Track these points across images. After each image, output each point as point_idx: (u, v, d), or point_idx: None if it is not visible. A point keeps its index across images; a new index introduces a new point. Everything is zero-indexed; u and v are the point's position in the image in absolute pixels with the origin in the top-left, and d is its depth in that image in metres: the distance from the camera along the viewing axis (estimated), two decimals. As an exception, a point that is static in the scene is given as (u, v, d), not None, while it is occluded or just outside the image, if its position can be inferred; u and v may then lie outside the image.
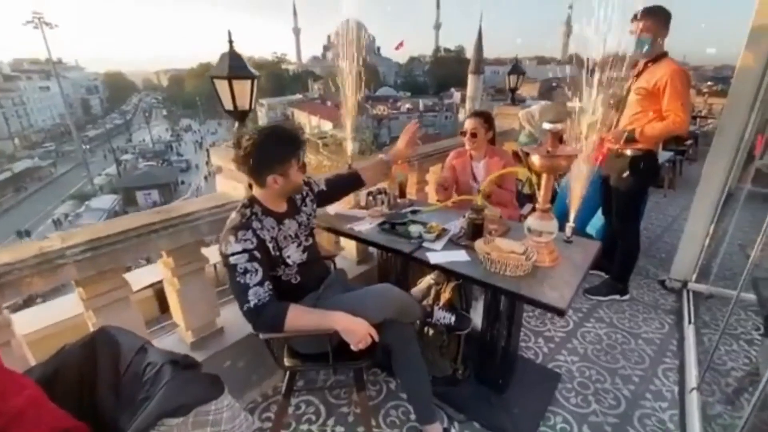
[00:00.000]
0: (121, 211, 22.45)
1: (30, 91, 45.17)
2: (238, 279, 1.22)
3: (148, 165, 31.92)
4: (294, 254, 1.39)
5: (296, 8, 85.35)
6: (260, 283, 1.23)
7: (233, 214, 1.32)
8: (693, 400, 1.71)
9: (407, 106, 41.51)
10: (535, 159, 1.37)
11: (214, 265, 2.47)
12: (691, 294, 2.54)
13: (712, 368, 1.96)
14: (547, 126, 1.34)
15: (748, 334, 2.27)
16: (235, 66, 1.54)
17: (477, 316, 2.00)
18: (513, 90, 3.71)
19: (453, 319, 1.73)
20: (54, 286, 1.22)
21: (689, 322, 2.26)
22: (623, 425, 1.69)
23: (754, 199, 2.87)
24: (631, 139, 2.23)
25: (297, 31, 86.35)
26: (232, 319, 1.85)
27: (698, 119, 6.13)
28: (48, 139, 43.33)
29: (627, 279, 2.58)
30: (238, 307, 1.78)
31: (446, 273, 1.57)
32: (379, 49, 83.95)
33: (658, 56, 2.14)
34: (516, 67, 3.64)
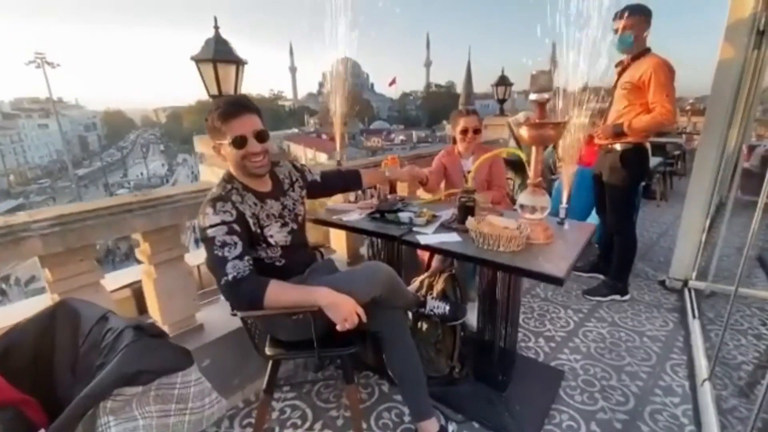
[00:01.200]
0: (113, 246, 22.07)
1: (29, 128, 45.81)
2: (216, 252, 1.14)
3: (142, 198, 31.79)
4: (277, 235, 1.32)
5: (293, 47, 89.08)
6: (239, 257, 1.15)
7: (213, 188, 1.27)
8: (706, 392, 1.60)
9: (401, 137, 42.41)
10: (524, 131, 1.35)
11: (198, 267, 2.38)
12: (692, 291, 2.46)
13: (723, 362, 1.86)
14: (533, 96, 1.33)
15: (755, 329, 2.18)
16: (220, 50, 1.53)
17: (473, 317, 1.92)
18: (501, 101, 3.79)
19: (447, 308, 1.64)
20: (17, 260, 1.13)
21: (693, 316, 2.18)
22: (633, 421, 1.57)
23: (748, 207, 2.87)
24: (619, 133, 2.24)
25: (293, 70, 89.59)
26: (214, 317, 1.75)
27: (684, 135, 6.27)
28: (44, 176, 43.45)
29: (626, 278, 2.51)
30: (218, 306, 1.70)
31: (438, 253, 1.50)
32: (372, 85, 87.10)
33: (641, 52, 2.18)
34: (503, 79, 3.73)
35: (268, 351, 1.34)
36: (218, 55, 1.53)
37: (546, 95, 1.30)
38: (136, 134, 78.30)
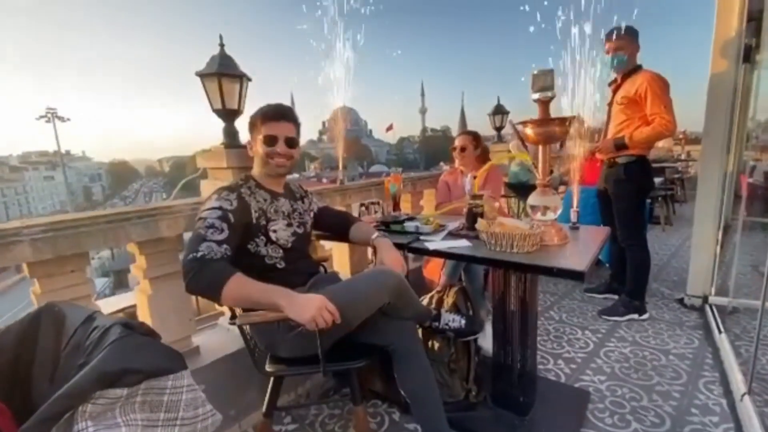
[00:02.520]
0: (111, 294, 21.72)
1: (34, 180, 46.79)
2: (199, 231, 1.10)
3: (142, 246, 31.73)
4: (282, 232, 1.29)
5: (293, 97, 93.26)
6: (219, 242, 1.09)
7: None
8: (747, 407, 1.45)
9: (399, 180, 43.06)
10: (529, 129, 1.33)
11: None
12: (714, 307, 2.34)
13: (758, 378, 1.72)
14: (535, 96, 1.33)
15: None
16: (225, 64, 1.56)
17: (487, 341, 1.81)
18: (498, 129, 3.86)
19: (463, 321, 1.54)
20: (4, 265, 1.07)
21: (720, 331, 2.05)
22: (673, 444, 1.42)
23: (755, 229, 2.84)
24: (621, 146, 2.24)
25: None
26: (211, 340, 1.64)
27: (679, 163, 6.35)
28: (45, 226, 43.69)
29: (643, 295, 2.40)
30: (215, 331, 1.62)
31: (447, 258, 1.43)
32: (371, 131, 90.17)
33: (633, 69, 2.24)
34: (499, 108, 3.83)
35: (268, 368, 1.24)
36: (222, 69, 1.56)
37: (549, 93, 1.30)
38: (140, 183, 79.75)
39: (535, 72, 1.31)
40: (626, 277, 2.44)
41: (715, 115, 2.38)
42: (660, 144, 6.34)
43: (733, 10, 2.31)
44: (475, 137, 2.43)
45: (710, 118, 2.40)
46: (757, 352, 1.64)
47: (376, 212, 1.96)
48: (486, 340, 1.85)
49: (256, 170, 1.38)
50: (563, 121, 1.30)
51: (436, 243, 1.45)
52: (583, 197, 2.70)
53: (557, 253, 1.27)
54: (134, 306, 1.89)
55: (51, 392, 0.82)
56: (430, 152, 69.77)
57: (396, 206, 2.11)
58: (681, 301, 2.56)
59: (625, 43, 2.21)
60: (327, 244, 2.12)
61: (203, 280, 1.04)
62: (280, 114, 1.33)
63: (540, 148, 1.37)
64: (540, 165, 1.37)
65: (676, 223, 4.97)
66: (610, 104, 2.37)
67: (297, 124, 1.38)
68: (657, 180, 4.10)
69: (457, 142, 2.40)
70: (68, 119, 32.04)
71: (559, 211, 1.37)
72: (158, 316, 1.44)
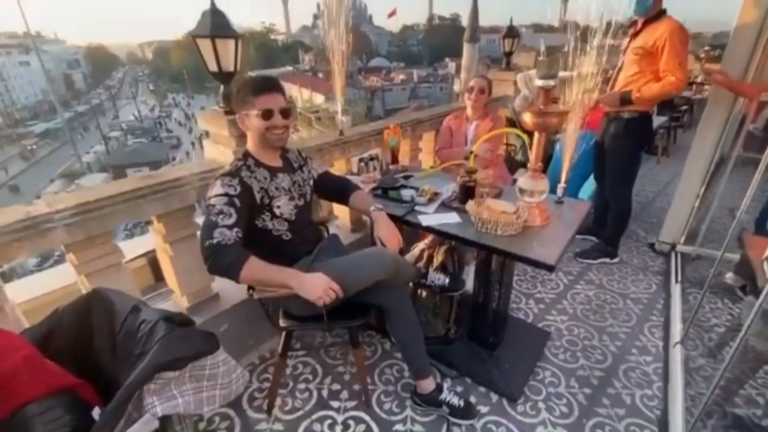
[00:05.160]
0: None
1: (9, 66, 43.46)
2: (210, 217, 1.22)
3: (137, 142, 31.24)
4: (285, 207, 1.39)
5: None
6: (230, 227, 1.21)
7: (226, 166, 1.35)
8: (677, 354, 1.77)
9: (401, 77, 40.54)
10: (527, 117, 1.35)
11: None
12: (679, 256, 2.59)
13: (697, 324, 2.03)
14: (539, 83, 1.31)
15: (732, 292, 2.33)
16: (217, 24, 1.47)
17: (469, 280, 2.04)
18: (508, 54, 3.63)
19: (447, 280, 1.76)
20: (44, 250, 1.21)
21: (676, 281, 2.32)
22: (608, 378, 1.76)
23: (745, 165, 2.89)
24: (627, 101, 2.20)
25: (285, 0, 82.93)
26: (228, 286, 1.87)
27: (695, 86, 6.06)
28: (32, 117, 42.11)
29: (617, 242, 2.62)
30: None
31: (439, 235, 1.58)
32: (371, 17, 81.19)
33: (656, 14, 2.08)
34: (511, 31, 3.54)
35: (281, 323, 1.48)
36: (215, 29, 1.48)
37: (552, 82, 1.29)
38: (123, 72, 74.52)
39: (542, 58, 1.27)
40: (606, 224, 2.63)
41: (741, 35, 2.21)
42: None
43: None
44: (489, 83, 2.39)
45: (735, 40, 2.24)
46: (702, 300, 1.90)
47: (374, 168, 2.02)
48: (468, 280, 2.10)
49: (251, 145, 1.40)
50: (561, 114, 1.32)
51: (428, 217, 1.58)
52: (587, 141, 2.71)
53: (536, 236, 1.41)
54: (154, 251, 2.09)
55: (114, 364, 1.05)
56: (436, 45, 63.95)
57: (395, 159, 2.17)
58: (652, 246, 2.80)
59: None
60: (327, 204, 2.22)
61: (222, 265, 1.20)
62: (270, 86, 1.31)
63: (536, 134, 1.41)
64: (533, 152, 1.43)
65: (674, 154, 5.00)
66: (624, 51, 2.24)
67: (284, 92, 1.37)
68: (661, 120, 4.01)
69: (475, 84, 2.33)
70: (31, -6, 28.31)
71: (544, 195, 1.47)
72: (181, 273, 1.64)
